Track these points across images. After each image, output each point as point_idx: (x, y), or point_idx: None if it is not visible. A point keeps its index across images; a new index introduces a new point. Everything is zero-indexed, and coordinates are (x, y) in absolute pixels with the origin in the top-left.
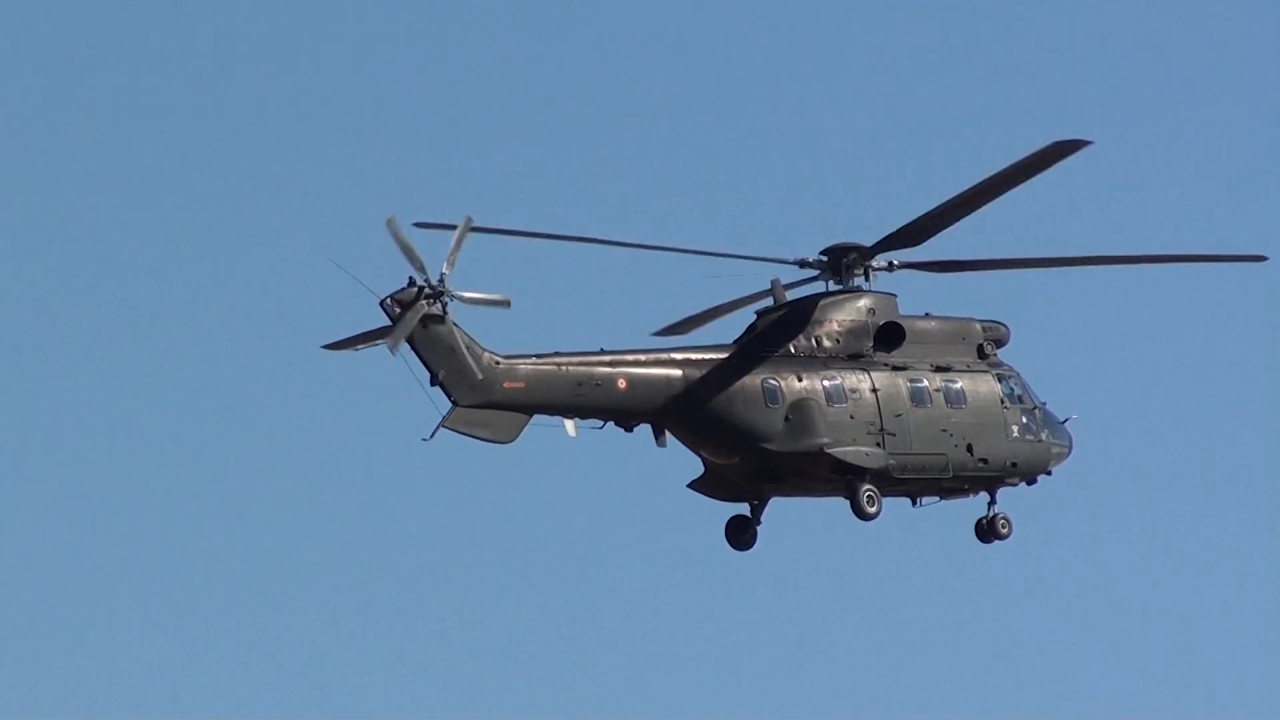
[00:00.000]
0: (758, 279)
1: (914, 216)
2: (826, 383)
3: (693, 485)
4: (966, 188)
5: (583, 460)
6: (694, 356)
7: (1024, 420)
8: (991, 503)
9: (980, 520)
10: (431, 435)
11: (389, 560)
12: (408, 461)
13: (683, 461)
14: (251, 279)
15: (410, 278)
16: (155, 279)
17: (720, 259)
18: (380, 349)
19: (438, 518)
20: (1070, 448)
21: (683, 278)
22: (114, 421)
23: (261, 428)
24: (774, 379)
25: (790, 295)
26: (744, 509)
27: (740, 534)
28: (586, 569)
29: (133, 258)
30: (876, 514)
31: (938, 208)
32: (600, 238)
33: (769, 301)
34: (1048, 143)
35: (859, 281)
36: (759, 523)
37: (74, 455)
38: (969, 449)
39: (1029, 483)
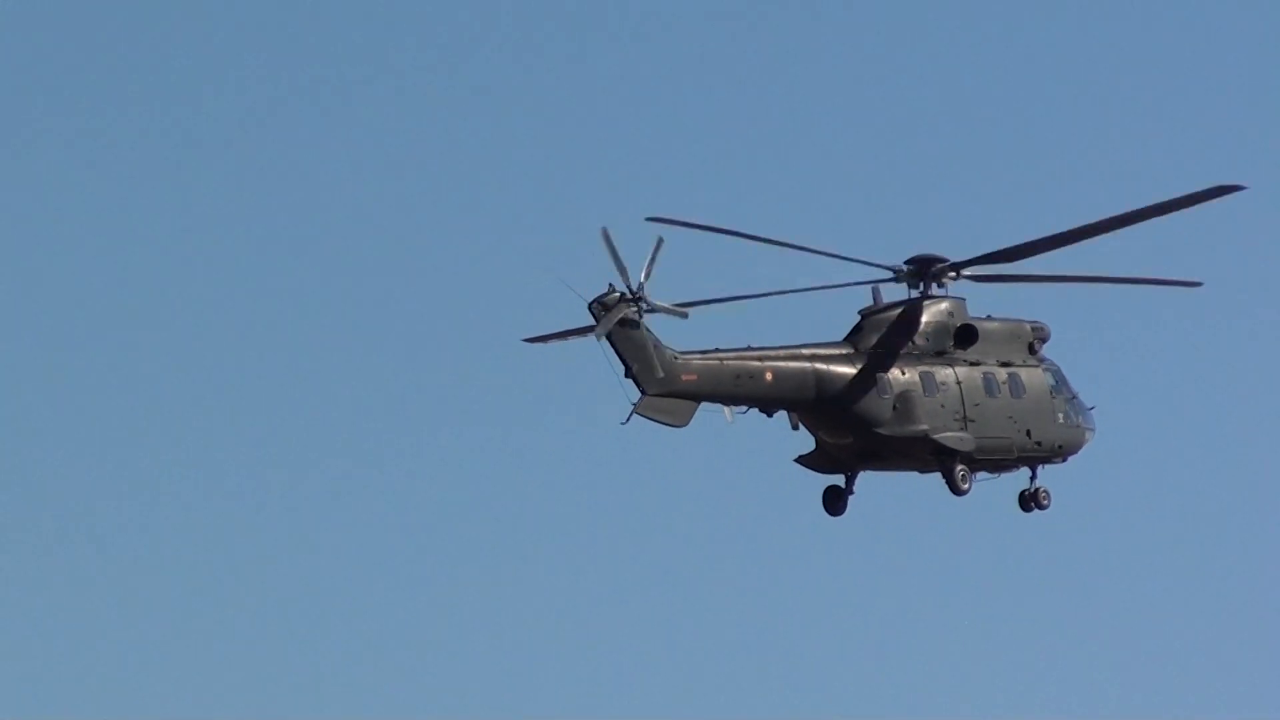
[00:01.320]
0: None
1: (1011, 244)
2: (923, 376)
3: (800, 459)
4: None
5: (729, 439)
6: (820, 352)
7: (1066, 408)
8: (1033, 477)
9: (1024, 492)
10: (627, 419)
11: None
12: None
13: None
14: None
15: (611, 284)
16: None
17: (828, 258)
18: (575, 343)
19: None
20: (1094, 432)
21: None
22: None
23: (466, 414)
24: (883, 373)
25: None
26: (839, 480)
27: (836, 501)
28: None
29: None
30: (969, 490)
31: (1037, 240)
32: (767, 236)
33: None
34: (1207, 185)
35: (935, 288)
36: (851, 492)
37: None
38: (1028, 433)
39: (1062, 460)
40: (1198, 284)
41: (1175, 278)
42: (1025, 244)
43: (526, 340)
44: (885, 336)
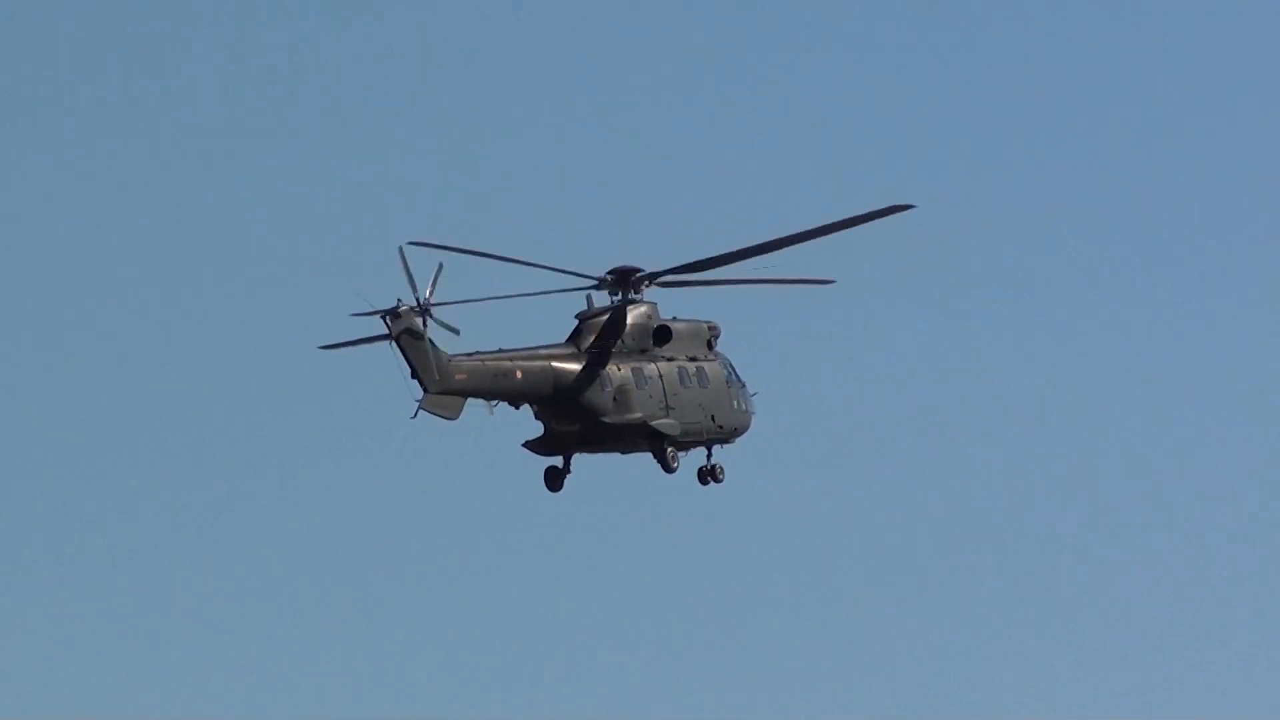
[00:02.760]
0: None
1: (704, 256)
2: (634, 371)
3: (527, 444)
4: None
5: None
6: (554, 353)
7: (739, 396)
8: (709, 455)
9: (701, 468)
10: (415, 415)
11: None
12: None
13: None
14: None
15: (399, 299)
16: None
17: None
18: (366, 349)
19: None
20: (754, 415)
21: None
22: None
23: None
24: (603, 369)
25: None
26: (558, 461)
27: (555, 479)
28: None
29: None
30: (678, 467)
31: (725, 254)
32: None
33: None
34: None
35: (633, 294)
36: (569, 471)
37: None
38: (713, 418)
39: (733, 441)
40: (831, 281)
41: (811, 277)
42: (710, 258)
43: (322, 347)
44: (600, 338)
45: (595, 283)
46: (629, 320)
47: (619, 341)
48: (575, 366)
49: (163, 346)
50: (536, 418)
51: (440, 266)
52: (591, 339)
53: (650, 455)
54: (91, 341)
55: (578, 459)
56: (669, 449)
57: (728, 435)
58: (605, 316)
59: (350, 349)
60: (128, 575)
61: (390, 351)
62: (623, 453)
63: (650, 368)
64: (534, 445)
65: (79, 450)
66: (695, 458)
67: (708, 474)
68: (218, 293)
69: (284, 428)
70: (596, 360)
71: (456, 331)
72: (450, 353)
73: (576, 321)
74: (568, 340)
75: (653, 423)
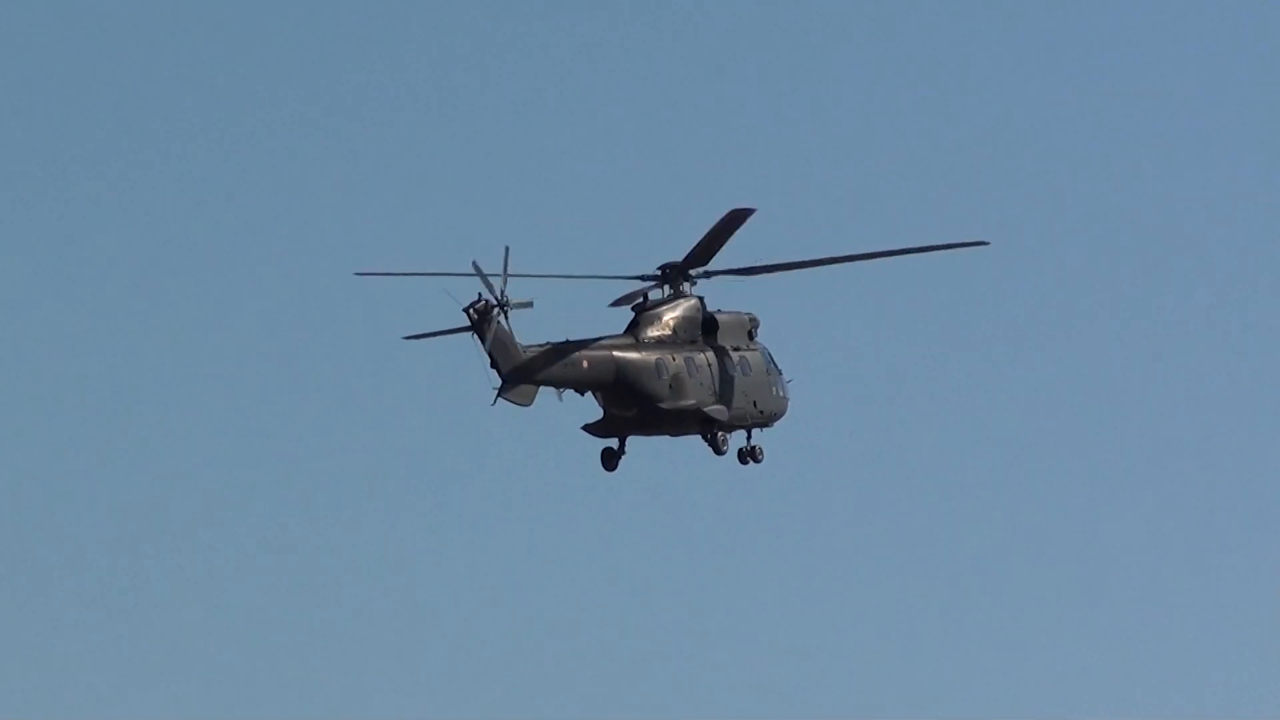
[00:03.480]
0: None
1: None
2: (686, 360)
3: (586, 427)
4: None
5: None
6: (616, 343)
7: (777, 383)
8: (749, 437)
9: (741, 449)
10: (494, 402)
11: None
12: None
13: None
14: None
15: (479, 293)
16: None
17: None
18: (449, 340)
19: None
20: (790, 401)
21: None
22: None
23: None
24: (659, 358)
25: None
26: (613, 443)
27: (611, 460)
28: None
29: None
30: (728, 450)
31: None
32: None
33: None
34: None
35: (685, 287)
36: (624, 453)
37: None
38: (754, 404)
39: (772, 425)
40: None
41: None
42: (752, 266)
43: (407, 338)
44: (656, 329)
45: (651, 280)
46: (681, 313)
47: (672, 333)
48: (635, 356)
49: (265, 332)
50: (599, 403)
51: (508, 250)
52: (648, 331)
53: (699, 438)
54: (201, 332)
55: (632, 441)
56: (720, 433)
57: (768, 420)
58: (661, 309)
59: (433, 339)
60: (230, 554)
61: (472, 343)
62: (673, 435)
63: (700, 357)
64: (593, 429)
65: (171, 436)
66: (736, 439)
67: (748, 454)
68: (316, 287)
69: (374, 412)
70: (653, 350)
71: (530, 304)
72: (524, 344)
73: (633, 314)
74: (626, 331)
75: (705, 409)
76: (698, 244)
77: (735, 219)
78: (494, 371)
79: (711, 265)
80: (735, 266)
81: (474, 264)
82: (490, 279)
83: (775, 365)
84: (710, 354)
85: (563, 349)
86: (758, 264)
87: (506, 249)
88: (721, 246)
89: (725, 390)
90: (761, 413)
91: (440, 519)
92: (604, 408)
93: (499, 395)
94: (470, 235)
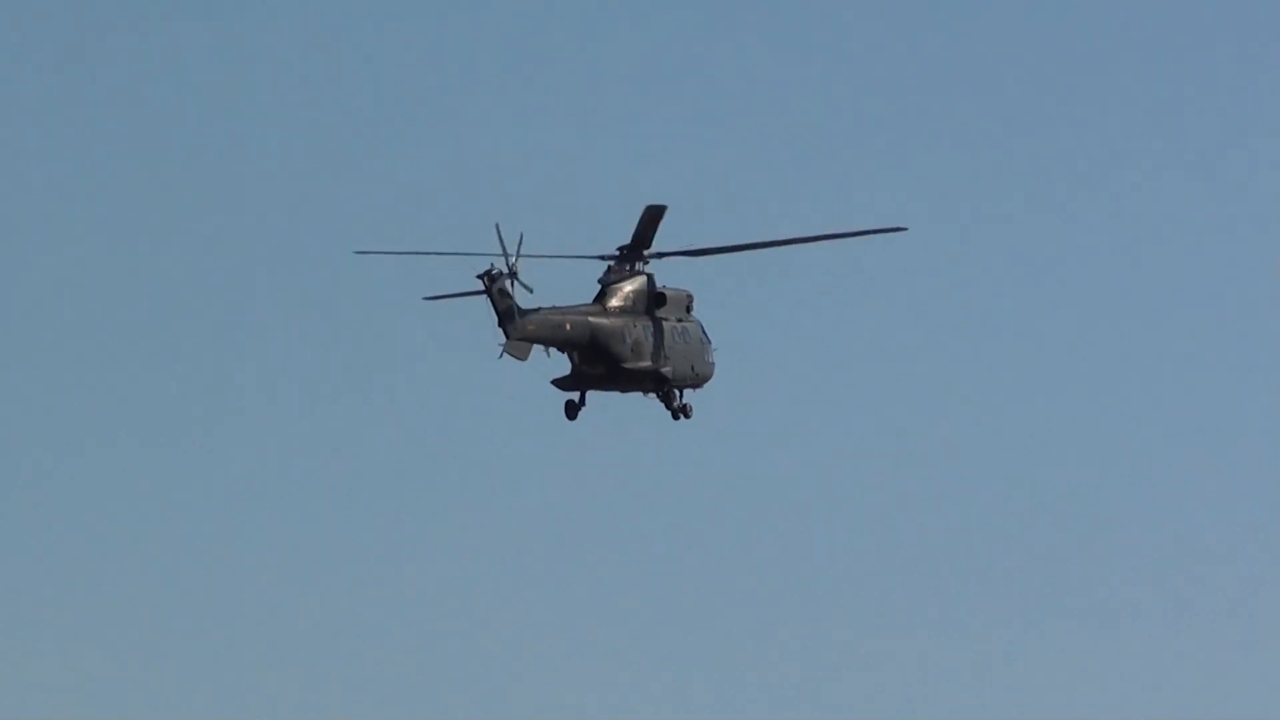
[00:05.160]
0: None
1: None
2: (643, 327)
3: (555, 381)
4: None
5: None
6: (591, 310)
7: (709, 351)
8: (680, 395)
9: (674, 406)
10: (500, 356)
11: None
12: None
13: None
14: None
15: (492, 262)
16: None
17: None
18: (466, 301)
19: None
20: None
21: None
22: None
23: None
24: (622, 324)
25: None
26: (575, 396)
27: (573, 410)
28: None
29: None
30: (678, 406)
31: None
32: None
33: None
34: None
35: (639, 266)
36: (583, 405)
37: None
38: (692, 368)
39: (701, 386)
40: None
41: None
42: (701, 249)
43: (427, 299)
44: (617, 300)
45: (613, 257)
46: (637, 286)
47: (632, 303)
48: (605, 322)
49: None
50: (571, 360)
51: (521, 236)
52: (612, 301)
53: (650, 396)
54: (219, 304)
55: (591, 395)
56: (673, 391)
57: (699, 381)
58: (622, 282)
59: (451, 300)
60: (227, 513)
61: (484, 304)
62: (623, 392)
63: (652, 325)
64: (560, 383)
65: (196, 409)
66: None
67: (680, 411)
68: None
69: (393, 365)
70: (617, 317)
71: (531, 290)
72: (523, 307)
73: (599, 287)
74: (594, 301)
75: (660, 369)
76: (632, 235)
77: (652, 214)
78: (500, 330)
79: (659, 248)
80: (682, 249)
81: (496, 226)
82: (506, 244)
83: (707, 336)
84: (659, 323)
85: (553, 314)
86: (700, 246)
87: (520, 235)
88: (650, 235)
89: (671, 354)
90: (697, 375)
91: (421, 462)
92: (575, 364)
93: (503, 350)
94: (466, 222)
